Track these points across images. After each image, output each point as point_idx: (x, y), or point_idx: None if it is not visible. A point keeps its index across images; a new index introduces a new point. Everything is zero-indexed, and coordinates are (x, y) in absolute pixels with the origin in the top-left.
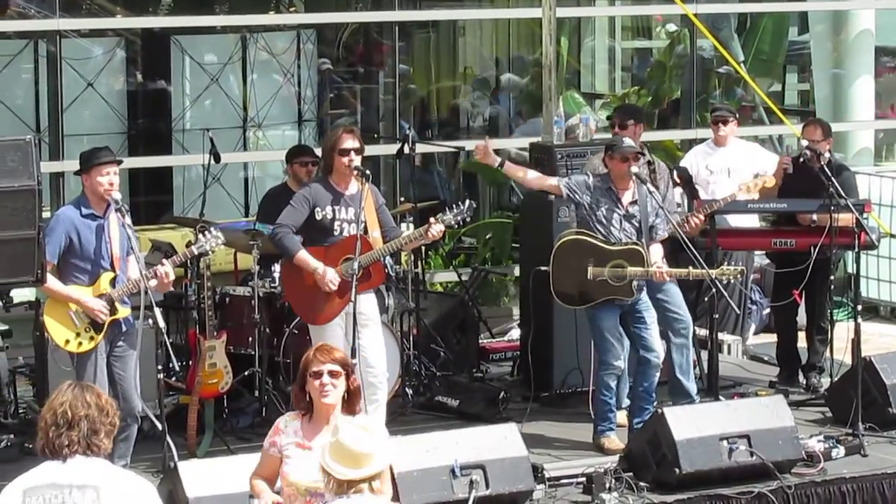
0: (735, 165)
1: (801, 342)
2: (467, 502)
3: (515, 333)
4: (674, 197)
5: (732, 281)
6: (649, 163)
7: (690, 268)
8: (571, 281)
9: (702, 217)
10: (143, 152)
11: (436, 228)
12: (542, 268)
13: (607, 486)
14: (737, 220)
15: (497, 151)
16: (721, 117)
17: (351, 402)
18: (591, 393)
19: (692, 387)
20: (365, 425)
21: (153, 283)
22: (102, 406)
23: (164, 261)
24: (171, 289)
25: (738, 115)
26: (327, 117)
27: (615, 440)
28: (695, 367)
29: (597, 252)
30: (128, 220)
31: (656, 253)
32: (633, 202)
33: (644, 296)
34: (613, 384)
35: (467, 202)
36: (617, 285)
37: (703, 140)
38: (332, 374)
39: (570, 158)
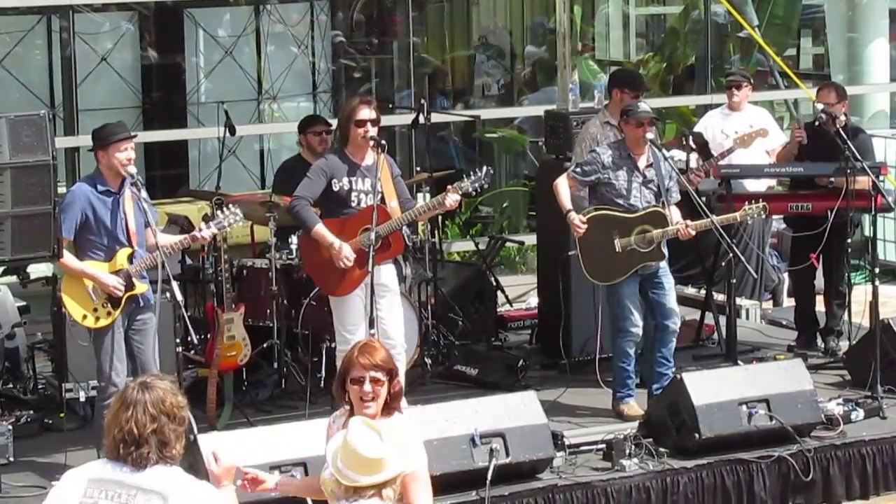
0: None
1: (820, 306)
2: (487, 471)
3: (533, 301)
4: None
5: (751, 221)
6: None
7: (714, 215)
8: (602, 258)
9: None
10: (157, 126)
11: (451, 197)
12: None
13: (627, 452)
14: (753, 185)
15: (511, 120)
16: (735, 82)
17: (391, 404)
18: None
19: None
20: (378, 428)
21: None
22: (168, 411)
23: (203, 225)
24: (189, 261)
25: (752, 80)
26: (342, 88)
27: (634, 406)
28: (713, 333)
29: (619, 223)
30: (144, 194)
31: (675, 214)
32: (649, 166)
33: (663, 262)
34: (631, 351)
35: (484, 169)
36: (646, 251)
37: (718, 105)
38: (375, 381)
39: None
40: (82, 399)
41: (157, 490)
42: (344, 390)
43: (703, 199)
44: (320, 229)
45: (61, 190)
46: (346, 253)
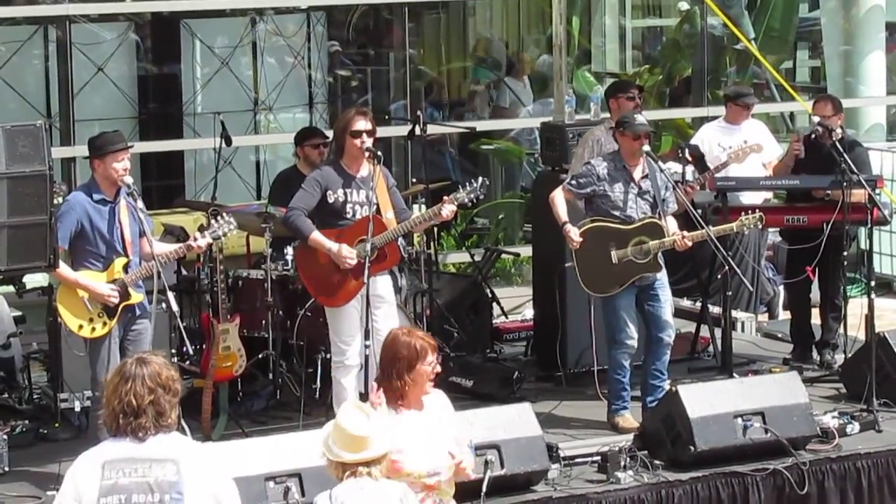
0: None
1: (815, 319)
2: (483, 483)
3: (529, 313)
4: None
5: (748, 231)
6: None
7: (710, 227)
8: (598, 270)
9: (695, 187)
10: (154, 137)
11: (448, 208)
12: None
13: (622, 464)
14: (750, 198)
15: (506, 132)
16: (752, 104)
17: None
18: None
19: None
20: (365, 409)
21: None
22: (164, 383)
23: (198, 235)
24: (185, 272)
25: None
26: (338, 100)
27: (630, 419)
28: (709, 345)
29: (616, 235)
30: (140, 203)
31: (671, 225)
32: (645, 177)
33: (661, 274)
34: (626, 363)
35: (480, 179)
36: (643, 262)
37: (714, 118)
38: (436, 359)
39: (581, 137)
40: (77, 409)
41: (169, 457)
42: (402, 381)
43: (699, 211)
44: (317, 236)
45: (58, 200)
46: (346, 253)
